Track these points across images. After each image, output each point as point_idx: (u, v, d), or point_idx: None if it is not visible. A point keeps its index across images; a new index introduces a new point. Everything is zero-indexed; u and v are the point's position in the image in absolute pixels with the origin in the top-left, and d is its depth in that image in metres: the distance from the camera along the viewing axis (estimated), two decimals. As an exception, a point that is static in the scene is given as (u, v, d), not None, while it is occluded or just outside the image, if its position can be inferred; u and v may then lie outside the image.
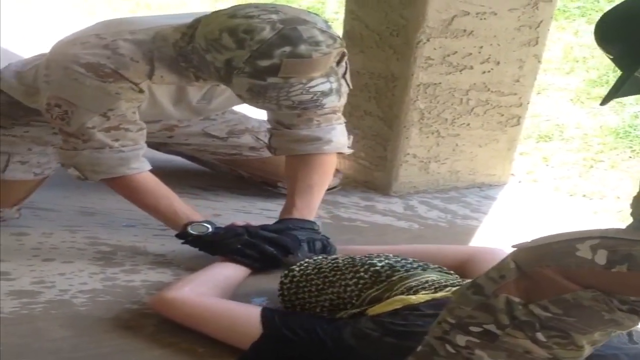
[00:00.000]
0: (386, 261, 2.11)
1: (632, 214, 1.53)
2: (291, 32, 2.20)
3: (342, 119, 2.69)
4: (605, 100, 1.64)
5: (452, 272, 2.17)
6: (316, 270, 2.15)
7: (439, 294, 1.97)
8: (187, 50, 2.38)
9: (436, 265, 2.18)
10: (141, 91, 2.41)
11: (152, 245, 2.59)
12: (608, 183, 3.79)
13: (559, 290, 1.46)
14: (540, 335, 1.50)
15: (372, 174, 3.23)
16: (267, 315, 2.04)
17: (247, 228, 2.44)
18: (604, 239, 1.44)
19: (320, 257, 2.25)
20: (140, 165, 2.48)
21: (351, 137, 2.74)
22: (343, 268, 2.11)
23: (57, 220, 2.70)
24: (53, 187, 2.78)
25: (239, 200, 2.99)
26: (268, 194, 3.04)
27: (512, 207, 3.22)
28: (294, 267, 2.21)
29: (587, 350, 1.54)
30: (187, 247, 2.45)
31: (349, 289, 2.07)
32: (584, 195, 3.67)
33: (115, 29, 2.44)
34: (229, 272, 2.34)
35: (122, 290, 2.32)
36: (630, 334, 1.82)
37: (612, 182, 3.81)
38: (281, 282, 2.19)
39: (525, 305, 1.49)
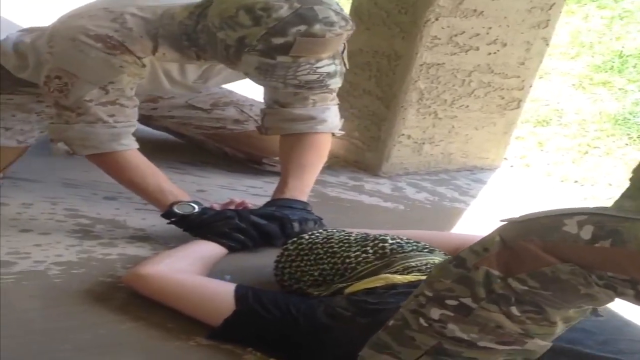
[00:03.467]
0: (397, 240, 2.11)
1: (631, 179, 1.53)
2: (308, 12, 2.20)
3: (337, 100, 2.70)
4: None
5: None
6: (325, 240, 2.16)
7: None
8: (193, 29, 2.39)
9: (442, 251, 2.17)
10: (143, 66, 2.43)
11: (132, 219, 2.58)
12: (601, 170, 3.77)
13: (538, 264, 1.45)
14: (514, 310, 1.50)
15: (363, 154, 3.21)
16: (240, 292, 2.04)
17: (238, 212, 2.44)
18: (593, 215, 1.43)
19: (335, 229, 2.25)
20: (130, 143, 2.48)
21: (342, 120, 2.74)
22: (353, 242, 2.12)
23: (39, 192, 2.68)
24: (37, 158, 2.78)
25: (225, 177, 2.98)
26: (254, 171, 3.04)
27: (502, 191, 3.21)
28: (304, 235, 2.22)
29: (560, 328, 1.55)
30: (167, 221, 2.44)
31: (347, 260, 2.07)
32: (576, 182, 3.64)
33: (123, 2, 2.45)
34: (208, 249, 2.33)
35: (97, 264, 2.31)
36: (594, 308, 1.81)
37: (605, 168, 3.79)
38: (285, 248, 2.20)
39: (504, 279, 1.49)
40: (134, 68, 2.40)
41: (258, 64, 2.25)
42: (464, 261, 1.56)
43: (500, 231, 1.54)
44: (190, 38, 2.40)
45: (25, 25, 2.86)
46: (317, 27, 2.20)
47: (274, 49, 2.21)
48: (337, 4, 2.31)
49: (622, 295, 1.43)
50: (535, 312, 1.50)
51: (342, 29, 2.26)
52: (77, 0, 2.55)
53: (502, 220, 1.55)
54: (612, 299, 1.47)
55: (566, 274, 1.43)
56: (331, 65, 2.31)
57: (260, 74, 2.28)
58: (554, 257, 1.44)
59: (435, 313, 1.57)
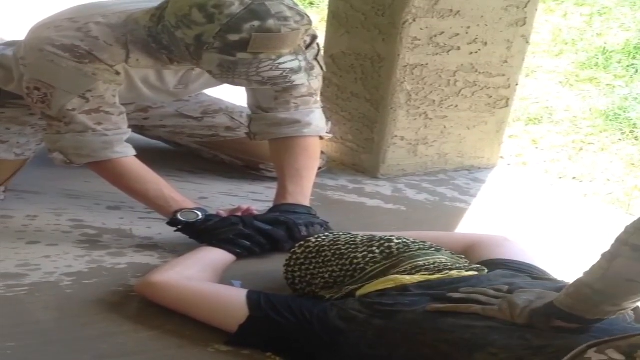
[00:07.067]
0: (403, 240, 2.12)
1: None
2: (259, 7, 2.22)
3: (320, 104, 2.72)
4: None
5: (462, 256, 2.17)
6: (331, 242, 2.15)
7: (435, 276, 1.98)
8: (157, 31, 2.38)
9: (448, 250, 2.18)
10: (117, 73, 2.42)
11: (138, 228, 2.58)
12: (597, 165, 3.78)
13: None
14: None
15: (359, 156, 3.21)
16: (253, 297, 2.04)
17: (243, 218, 2.44)
18: None
19: (340, 232, 2.24)
20: (125, 150, 2.48)
21: (329, 123, 2.76)
22: (359, 243, 2.12)
23: (42, 203, 2.68)
24: (38, 169, 2.77)
25: (225, 183, 2.97)
26: (254, 177, 3.03)
27: (501, 189, 3.22)
28: (311, 238, 2.22)
29: None
30: (173, 229, 2.43)
31: (355, 261, 2.07)
32: (574, 178, 3.66)
33: (88, 12, 2.46)
34: (217, 256, 2.32)
35: (107, 273, 2.31)
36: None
37: (601, 164, 3.80)
38: (293, 252, 2.19)
39: None
40: (107, 75, 2.40)
41: (219, 62, 2.27)
42: None
43: None
44: (157, 40, 2.41)
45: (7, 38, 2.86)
46: (271, 23, 2.22)
47: (231, 46, 2.23)
48: (291, 0, 2.33)
49: None
50: None
51: (298, 24, 2.28)
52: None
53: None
54: None
55: None
56: (294, 62, 2.32)
57: (222, 72, 2.30)
58: None
59: None
